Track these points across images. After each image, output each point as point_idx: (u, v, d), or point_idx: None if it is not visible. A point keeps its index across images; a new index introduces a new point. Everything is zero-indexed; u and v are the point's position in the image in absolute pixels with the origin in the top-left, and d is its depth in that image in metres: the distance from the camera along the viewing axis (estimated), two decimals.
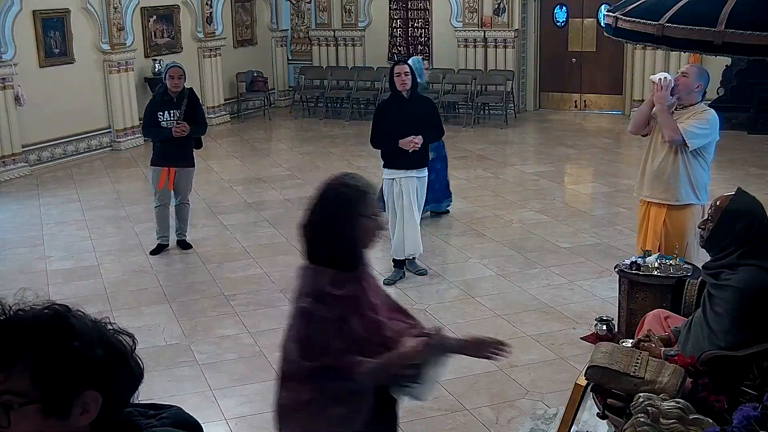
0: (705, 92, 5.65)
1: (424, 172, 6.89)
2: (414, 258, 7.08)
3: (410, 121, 6.63)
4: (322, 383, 2.78)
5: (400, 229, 6.85)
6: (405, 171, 6.74)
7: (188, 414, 1.75)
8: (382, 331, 2.88)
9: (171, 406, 1.74)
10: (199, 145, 7.91)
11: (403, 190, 6.77)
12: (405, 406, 4.91)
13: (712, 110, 5.44)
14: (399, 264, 7.04)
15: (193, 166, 7.89)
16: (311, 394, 2.78)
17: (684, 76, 5.43)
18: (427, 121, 6.77)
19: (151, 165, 7.86)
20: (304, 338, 2.80)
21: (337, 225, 2.81)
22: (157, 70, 12.84)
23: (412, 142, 6.60)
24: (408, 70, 6.69)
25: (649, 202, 5.64)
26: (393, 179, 6.79)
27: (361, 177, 2.93)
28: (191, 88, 7.87)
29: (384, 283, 6.95)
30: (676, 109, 5.47)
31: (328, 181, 2.90)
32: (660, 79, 5.45)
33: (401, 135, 6.61)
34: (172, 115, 7.56)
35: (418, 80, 8.47)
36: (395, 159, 6.74)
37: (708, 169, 5.56)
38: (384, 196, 6.86)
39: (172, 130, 7.49)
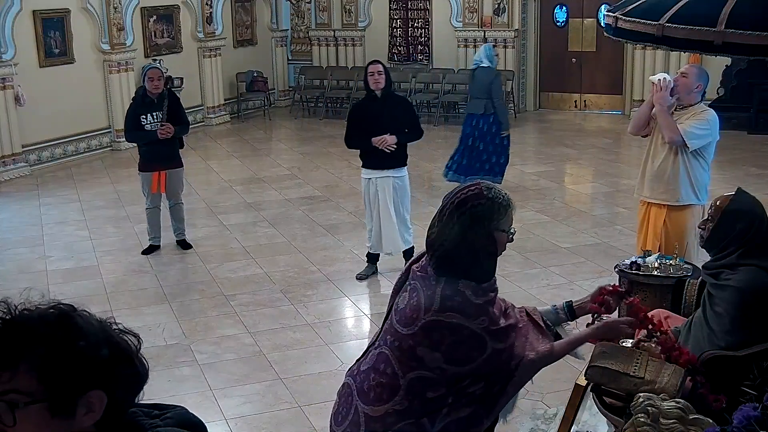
0: (705, 92, 5.65)
1: (402, 172, 6.90)
2: (392, 254, 7.11)
3: (383, 121, 6.63)
4: (460, 386, 2.76)
5: (377, 226, 6.92)
6: (380, 171, 6.79)
7: (192, 414, 1.76)
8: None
9: (175, 407, 1.75)
10: (181, 145, 7.91)
11: (379, 190, 6.82)
12: None
13: (712, 110, 5.44)
14: (373, 259, 7.13)
15: (182, 166, 7.89)
16: (442, 394, 2.76)
17: (684, 76, 5.42)
18: (402, 120, 6.76)
19: (139, 171, 7.82)
20: (451, 349, 2.71)
21: (479, 240, 2.74)
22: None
23: (385, 141, 6.62)
24: (381, 69, 6.69)
25: (649, 202, 5.64)
26: (369, 179, 6.86)
27: (500, 189, 2.83)
28: (170, 88, 7.86)
29: (356, 278, 7.04)
30: (675, 110, 5.47)
31: (466, 191, 2.78)
32: (659, 79, 5.44)
33: (374, 134, 6.63)
34: (155, 117, 7.52)
35: (489, 65, 9.11)
36: (370, 159, 6.79)
37: (708, 169, 5.56)
38: (362, 194, 7.04)
39: (157, 132, 7.46)
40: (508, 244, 2.89)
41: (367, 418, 2.82)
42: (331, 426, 3.00)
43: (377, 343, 2.92)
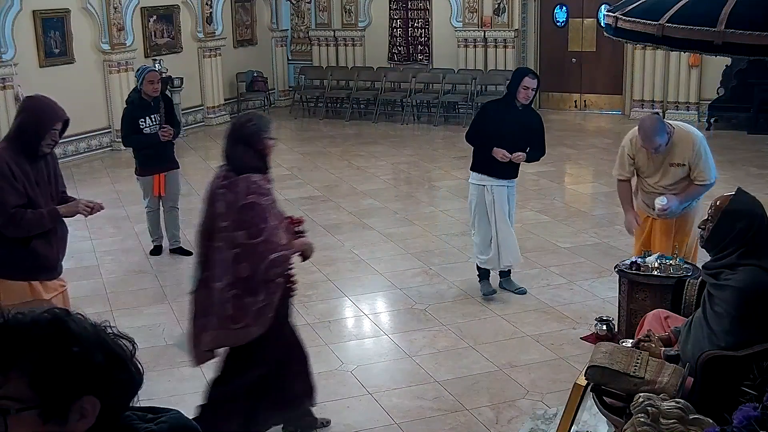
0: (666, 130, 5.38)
1: (514, 183, 6.60)
2: (510, 271, 6.73)
3: (514, 131, 6.28)
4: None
5: (495, 239, 6.48)
6: (496, 179, 6.41)
7: (187, 418, 1.73)
8: None
9: (170, 410, 1.72)
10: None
11: (495, 199, 6.42)
12: (404, 405, 4.92)
13: (692, 132, 5.45)
14: (485, 274, 6.65)
15: (179, 167, 7.87)
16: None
17: (646, 147, 5.38)
18: (530, 136, 6.40)
19: (139, 175, 7.71)
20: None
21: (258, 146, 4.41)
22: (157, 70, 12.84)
23: (518, 156, 6.28)
24: (536, 86, 6.26)
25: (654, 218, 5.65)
26: (483, 185, 6.45)
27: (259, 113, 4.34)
28: (164, 91, 7.85)
29: (484, 295, 6.59)
30: (657, 150, 5.38)
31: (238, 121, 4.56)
32: (660, 208, 5.42)
33: (500, 140, 6.26)
34: (153, 119, 7.43)
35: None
36: (488, 165, 6.38)
37: None
38: (471, 203, 6.59)
39: (159, 134, 7.42)
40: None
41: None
42: None
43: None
